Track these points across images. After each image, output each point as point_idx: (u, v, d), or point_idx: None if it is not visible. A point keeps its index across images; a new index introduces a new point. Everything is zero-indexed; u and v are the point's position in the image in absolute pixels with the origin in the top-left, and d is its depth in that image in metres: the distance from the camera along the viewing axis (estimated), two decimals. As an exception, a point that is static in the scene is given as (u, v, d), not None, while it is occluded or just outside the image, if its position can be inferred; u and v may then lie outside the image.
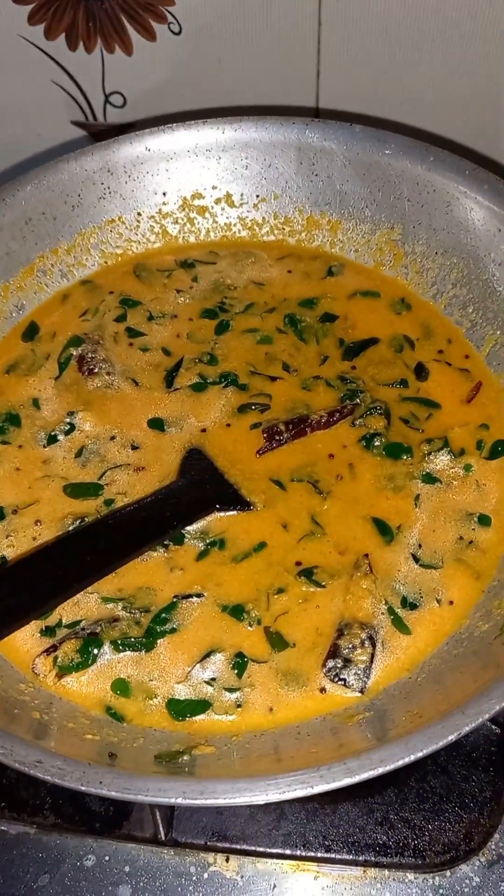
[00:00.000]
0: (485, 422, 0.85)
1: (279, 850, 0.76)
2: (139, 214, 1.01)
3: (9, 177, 0.97)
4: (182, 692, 0.72)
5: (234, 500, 0.80)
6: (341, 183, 0.97)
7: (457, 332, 0.93)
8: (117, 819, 0.78)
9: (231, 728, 0.70)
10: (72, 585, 0.72)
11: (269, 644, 0.73)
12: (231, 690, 0.72)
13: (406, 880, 0.76)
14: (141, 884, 0.76)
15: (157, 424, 0.86)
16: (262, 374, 0.90)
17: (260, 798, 0.58)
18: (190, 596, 0.76)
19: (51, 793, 0.79)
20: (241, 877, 0.76)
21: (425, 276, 0.96)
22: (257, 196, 1.01)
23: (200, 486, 0.81)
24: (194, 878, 0.76)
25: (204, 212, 1.02)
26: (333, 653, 0.72)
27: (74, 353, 0.92)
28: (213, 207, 1.02)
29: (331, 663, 0.72)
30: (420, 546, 0.78)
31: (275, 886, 0.76)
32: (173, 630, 0.74)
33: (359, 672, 0.71)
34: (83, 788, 0.59)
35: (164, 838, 0.77)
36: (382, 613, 0.74)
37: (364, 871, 0.76)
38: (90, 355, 0.91)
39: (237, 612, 0.75)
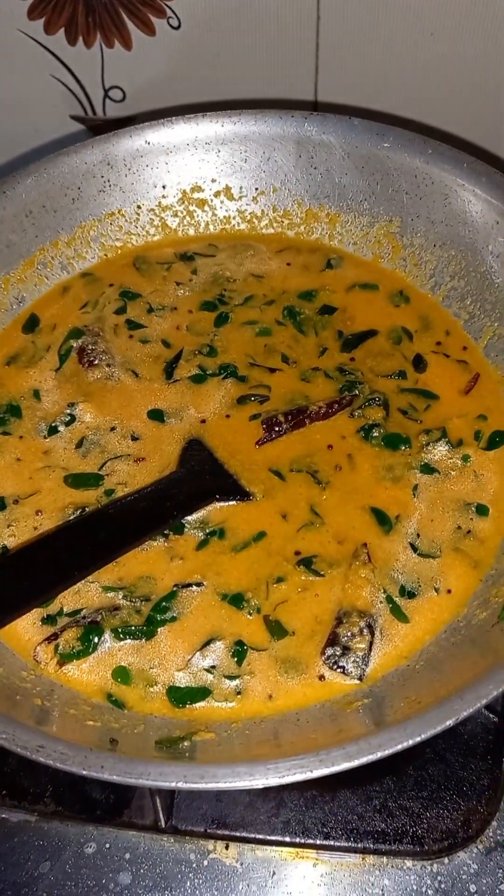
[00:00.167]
0: (483, 412, 0.86)
1: (278, 838, 0.77)
2: (139, 207, 1.01)
3: (9, 170, 0.98)
4: (182, 680, 0.72)
5: (233, 490, 0.81)
6: (340, 176, 0.98)
7: (455, 323, 0.93)
8: (118, 807, 0.79)
9: (231, 715, 0.71)
10: (73, 574, 0.73)
11: (268, 632, 0.74)
12: (231, 678, 0.72)
13: (404, 867, 0.76)
14: (141, 871, 0.76)
15: (156, 415, 0.87)
16: (262, 365, 0.90)
17: (260, 782, 0.58)
18: (190, 585, 0.76)
19: (52, 781, 0.80)
20: (241, 864, 0.77)
21: (423, 268, 0.96)
22: (256, 189, 1.01)
23: (200, 477, 0.81)
24: (194, 864, 0.77)
25: (203, 205, 1.02)
26: (332, 641, 0.73)
27: (75, 345, 0.93)
28: (212, 200, 1.02)
29: (330, 651, 0.72)
30: (418, 535, 0.78)
31: (274, 873, 0.76)
32: (173, 618, 0.75)
33: (357, 660, 0.72)
34: (85, 773, 0.59)
35: (164, 826, 0.77)
36: (381, 602, 0.75)
37: (363, 859, 0.76)
38: (90, 347, 0.92)
39: (237, 600, 0.75)
